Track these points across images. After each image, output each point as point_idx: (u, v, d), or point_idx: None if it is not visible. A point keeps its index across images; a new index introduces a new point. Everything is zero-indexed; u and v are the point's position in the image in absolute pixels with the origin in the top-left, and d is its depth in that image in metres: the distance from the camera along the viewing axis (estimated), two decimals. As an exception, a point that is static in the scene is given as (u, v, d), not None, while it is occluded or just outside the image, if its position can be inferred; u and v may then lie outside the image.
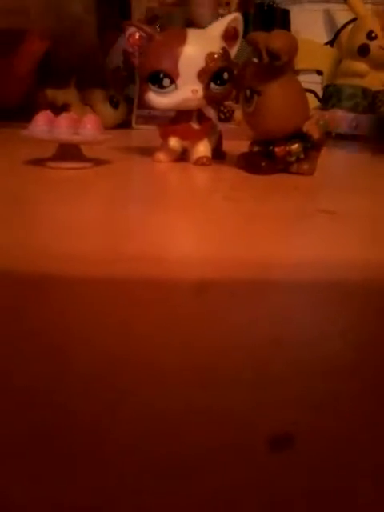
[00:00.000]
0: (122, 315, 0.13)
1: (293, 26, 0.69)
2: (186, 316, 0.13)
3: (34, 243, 0.17)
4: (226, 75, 0.33)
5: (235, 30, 0.34)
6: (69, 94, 0.57)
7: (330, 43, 0.73)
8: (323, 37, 0.74)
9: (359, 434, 0.10)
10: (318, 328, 0.13)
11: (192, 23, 0.62)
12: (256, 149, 0.32)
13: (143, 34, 0.32)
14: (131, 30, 0.32)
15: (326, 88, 0.63)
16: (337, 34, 0.72)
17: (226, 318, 0.13)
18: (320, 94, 0.66)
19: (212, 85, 0.33)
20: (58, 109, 0.56)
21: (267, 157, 0.31)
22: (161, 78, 0.32)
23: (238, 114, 0.32)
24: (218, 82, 0.33)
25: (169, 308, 0.14)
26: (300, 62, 0.67)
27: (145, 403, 0.10)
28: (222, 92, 0.33)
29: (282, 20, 0.68)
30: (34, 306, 0.13)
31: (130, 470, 0.08)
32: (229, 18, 0.34)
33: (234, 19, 0.34)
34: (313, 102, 0.63)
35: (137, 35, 0.32)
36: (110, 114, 0.57)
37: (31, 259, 0.15)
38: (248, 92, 0.31)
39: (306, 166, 0.31)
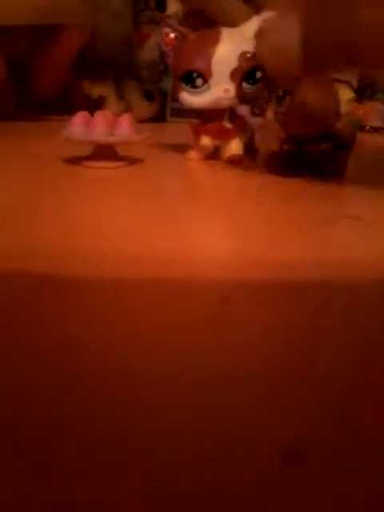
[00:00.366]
0: (155, 315, 0.14)
1: None
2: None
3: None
4: (258, 74, 0.33)
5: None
6: (105, 87, 0.58)
7: None
8: None
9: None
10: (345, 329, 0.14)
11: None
12: (286, 148, 0.32)
13: (178, 34, 0.33)
14: (166, 30, 0.33)
15: (360, 79, 0.63)
16: None
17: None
18: (355, 85, 0.65)
19: (244, 84, 0.33)
20: (94, 101, 0.57)
21: (297, 157, 0.31)
22: (194, 78, 0.33)
23: (270, 114, 0.32)
24: (251, 81, 0.33)
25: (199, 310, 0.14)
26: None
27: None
28: (255, 91, 0.34)
29: None
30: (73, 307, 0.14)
31: (137, 478, 0.09)
32: (262, 16, 0.34)
33: (268, 18, 0.34)
34: (348, 94, 0.63)
35: (172, 35, 0.33)
36: (145, 107, 0.58)
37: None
38: (280, 92, 0.32)
39: (335, 167, 0.31)
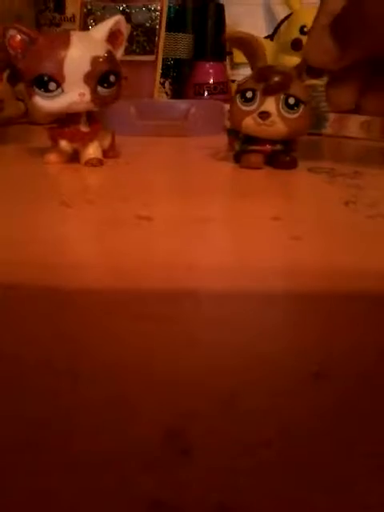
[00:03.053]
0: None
1: (228, 20, 0.70)
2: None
3: None
4: (112, 78, 0.34)
5: (120, 32, 0.35)
6: (2, 89, 0.56)
7: (271, 37, 0.75)
8: (263, 31, 0.75)
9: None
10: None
11: (129, 19, 0.62)
12: (279, 148, 0.35)
13: (25, 37, 0.32)
14: (11, 32, 0.32)
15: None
16: (276, 28, 0.75)
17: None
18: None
19: (99, 88, 0.33)
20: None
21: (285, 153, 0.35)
22: (46, 82, 0.32)
23: (275, 118, 0.33)
24: (105, 84, 0.33)
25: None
26: (238, 56, 0.69)
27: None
28: (110, 94, 0.34)
29: (216, 14, 0.69)
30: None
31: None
32: (112, 20, 0.34)
33: (117, 22, 0.34)
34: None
35: (18, 38, 0.32)
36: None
37: None
38: (292, 100, 0.33)
39: (288, 159, 0.35)
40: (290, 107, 0.33)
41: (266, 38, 0.76)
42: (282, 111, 0.33)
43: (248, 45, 0.35)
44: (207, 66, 0.66)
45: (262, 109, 0.33)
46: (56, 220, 0.24)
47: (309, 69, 0.33)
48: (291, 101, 0.33)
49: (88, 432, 0.11)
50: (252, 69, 0.35)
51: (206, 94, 0.67)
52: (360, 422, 0.11)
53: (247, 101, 0.33)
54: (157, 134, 0.52)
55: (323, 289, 0.17)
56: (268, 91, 0.33)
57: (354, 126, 0.56)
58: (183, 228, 0.22)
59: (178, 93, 0.69)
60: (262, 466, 0.10)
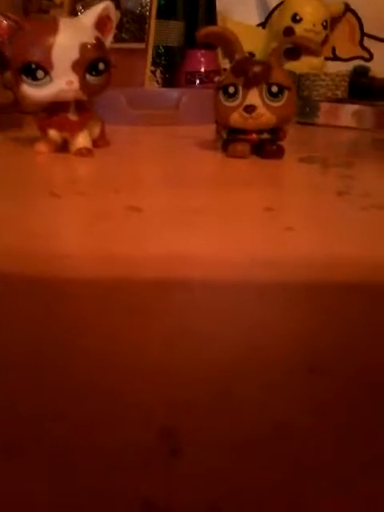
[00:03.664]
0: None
1: (219, 8, 0.69)
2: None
3: None
4: (101, 66, 0.33)
5: (108, 18, 0.34)
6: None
7: (263, 25, 0.74)
8: (255, 19, 0.75)
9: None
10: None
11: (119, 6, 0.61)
12: (266, 136, 0.34)
13: (11, 23, 0.31)
14: (-2, 18, 0.31)
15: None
16: (268, 16, 0.74)
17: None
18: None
19: (88, 76, 0.33)
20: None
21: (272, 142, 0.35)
22: (34, 70, 0.31)
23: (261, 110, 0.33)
24: (94, 72, 0.33)
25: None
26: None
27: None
28: (100, 83, 0.34)
29: (207, 2, 0.68)
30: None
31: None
32: (100, 6, 0.33)
33: (106, 7, 0.34)
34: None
35: (4, 23, 0.31)
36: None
37: None
38: (275, 88, 0.32)
39: (274, 148, 0.35)
40: (274, 95, 0.32)
41: (258, 25, 0.75)
42: (267, 101, 0.32)
43: (223, 39, 0.34)
44: (199, 54, 0.65)
45: (247, 102, 0.32)
46: (46, 211, 0.23)
47: (287, 52, 0.33)
48: (274, 89, 0.32)
49: (81, 427, 0.10)
50: (230, 62, 0.34)
51: (197, 82, 0.66)
52: (355, 416, 0.11)
53: (230, 96, 0.33)
54: (148, 123, 0.51)
55: (318, 279, 0.16)
56: (249, 83, 0.32)
57: (345, 115, 0.55)
58: (175, 219, 0.22)
59: (169, 81, 0.68)
60: (255, 463, 0.09)
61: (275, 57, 0.33)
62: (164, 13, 0.65)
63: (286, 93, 0.33)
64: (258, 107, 0.32)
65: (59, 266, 0.17)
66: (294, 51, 0.33)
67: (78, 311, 0.15)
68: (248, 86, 0.32)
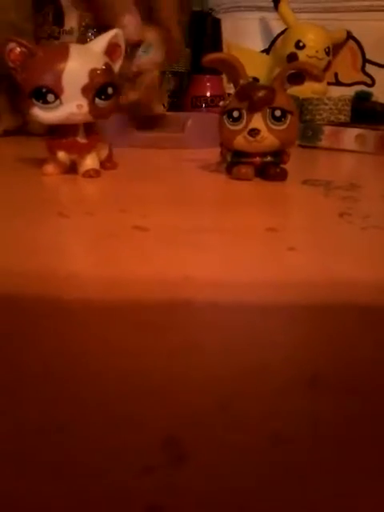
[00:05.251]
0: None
1: (225, 35, 0.71)
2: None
3: None
4: (110, 90, 0.34)
5: (117, 45, 0.35)
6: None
7: (267, 51, 0.76)
8: (259, 45, 0.77)
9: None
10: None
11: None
12: (269, 159, 0.35)
13: (24, 50, 0.32)
14: (11, 45, 0.32)
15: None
16: (272, 42, 0.76)
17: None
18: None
19: (97, 100, 0.34)
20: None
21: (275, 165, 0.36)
22: (44, 94, 0.32)
23: (265, 133, 0.34)
24: (103, 96, 0.34)
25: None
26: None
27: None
28: (108, 106, 0.35)
29: (213, 29, 0.70)
30: None
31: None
32: (110, 33, 0.35)
33: (116, 35, 0.35)
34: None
35: (17, 50, 0.32)
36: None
37: None
38: (278, 112, 0.33)
39: (278, 171, 0.36)
40: (278, 119, 0.33)
41: (262, 51, 0.77)
42: (270, 124, 0.33)
43: (228, 64, 0.35)
44: (204, 79, 0.67)
45: (251, 126, 0.33)
46: (54, 231, 0.24)
47: (290, 77, 0.34)
48: (277, 113, 0.33)
49: (86, 439, 0.11)
50: (235, 87, 0.35)
51: (203, 106, 0.67)
52: (355, 430, 0.11)
53: (235, 120, 0.34)
54: (154, 145, 0.52)
55: (319, 299, 0.17)
56: (253, 108, 0.33)
57: (348, 139, 0.56)
58: (180, 239, 0.23)
59: (175, 105, 0.70)
60: (260, 471, 0.10)
61: (279, 82, 0.34)
62: (171, 40, 0.67)
63: (289, 117, 0.34)
64: (261, 131, 0.33)
65: (66, 286, 0.18)
66: (297, 76, 0.34)
67: (82, 329, 0.15)
68: (252, 110, 0.33)
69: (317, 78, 0.35)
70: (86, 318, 0.16)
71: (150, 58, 0.52)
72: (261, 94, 0.33)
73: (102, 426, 0.11)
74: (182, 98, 0.70)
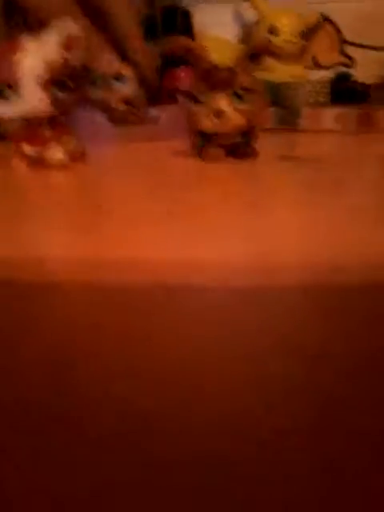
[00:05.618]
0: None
1: (197, 27, 0.71)
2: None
3: None
4: (68, 83, 0.34)
5: (74, 35, 0.35)
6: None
7: (241, 41, 0.75)
8: (233, 34, 0.77)
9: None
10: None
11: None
12: (238, 139, 0.35)
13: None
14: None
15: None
16: (245, 31, 0.76)
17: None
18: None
19: (57, 93, 0.33)
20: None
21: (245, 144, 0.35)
22: (1, 89, 0.32)
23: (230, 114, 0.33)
24: (63, 89, 0.33)
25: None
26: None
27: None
28: (69, 99, 0.34)
29: (183, 22, 0.69)
30: None
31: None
32: (65, 25, 0.34)
33: (70, 26, 0.34)
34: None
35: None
36: None
37: None
38: (241, 91, 0.33)
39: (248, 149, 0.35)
40: (242, 98, 0.33)
41: (236, 41, 0.76)
42: (235, 104, 0.33)
43: (189, 51, 0.35)
44: (178, 71, 0.66)
45: (215, 108, 0.33)
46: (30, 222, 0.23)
47: (252, 56, 0.34)
48: (240, 92, 0.33)
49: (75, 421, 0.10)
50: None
51: (178, 99, 0.67)
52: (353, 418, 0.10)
53: (199, 103, 0.34)
54: (127, 139, 0.51)
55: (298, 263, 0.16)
56: (216, 89, 0.33)
57: (329, 119, 0.56)
58: (158, 222, 0.22)
59: (149, 99, 0.69)
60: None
61: (241, 60, 0.34)
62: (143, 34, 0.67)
63: (254, 95, 0.33)
64: (225, 112, 0.33)
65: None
66: (256, 56, 0.34)
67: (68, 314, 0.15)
68: (215, 92, 0.33)
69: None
70: (72, 301, 0.15)
71: (127, 88, 0.53)
72: (222, 74, 0.33)
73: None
74: (156, 92, 0.69)
